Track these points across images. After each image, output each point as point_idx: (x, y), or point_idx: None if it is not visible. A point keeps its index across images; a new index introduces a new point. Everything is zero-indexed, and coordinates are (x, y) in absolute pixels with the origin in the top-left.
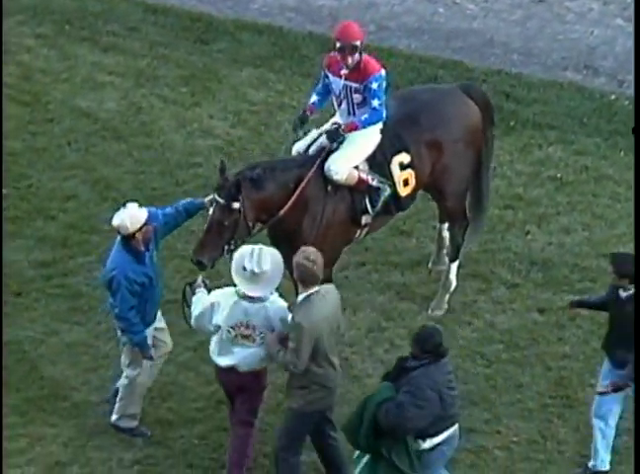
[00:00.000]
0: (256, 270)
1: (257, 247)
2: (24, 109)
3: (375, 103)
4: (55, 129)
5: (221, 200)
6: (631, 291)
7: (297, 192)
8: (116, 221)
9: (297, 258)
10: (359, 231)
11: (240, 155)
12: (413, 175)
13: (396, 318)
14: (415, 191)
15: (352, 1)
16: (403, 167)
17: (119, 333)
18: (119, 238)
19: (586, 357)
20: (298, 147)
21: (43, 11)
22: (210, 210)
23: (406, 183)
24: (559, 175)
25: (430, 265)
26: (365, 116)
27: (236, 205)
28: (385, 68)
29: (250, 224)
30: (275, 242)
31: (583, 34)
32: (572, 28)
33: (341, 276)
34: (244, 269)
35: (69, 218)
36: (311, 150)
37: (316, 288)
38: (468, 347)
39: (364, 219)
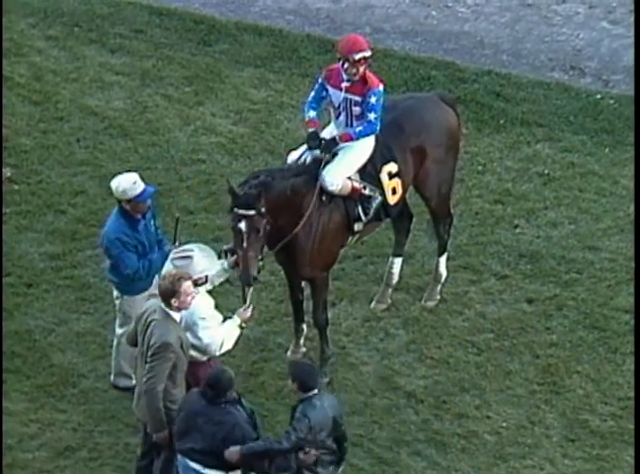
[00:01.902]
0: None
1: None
2: (35, 107)
3: (372, 116)
4: (65, 127)
5: (251, 212)
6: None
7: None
8: (111, 183)
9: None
10: (351, 237)
11: (242, 152)
12: (400, 184)
13: (391, 308)
14: (401, 198)
15: (348, 4)
16: (391, 176)
17: (114, 294)
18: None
19: (572, 346)
20: (293, 157)
21: (54, 14)
22: (242, 226)
23: (394, 191)
24: (546, 171)
25: (372, 304)
26: (360, 128)
27: (263, 210)
28: (382, 81)
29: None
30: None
31: (569, 36)
32: (559, 30)
33: (338, 267)
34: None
35: (78, 213)
36: (307, 159)
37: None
38: (460, 336)
39: (357, 226)
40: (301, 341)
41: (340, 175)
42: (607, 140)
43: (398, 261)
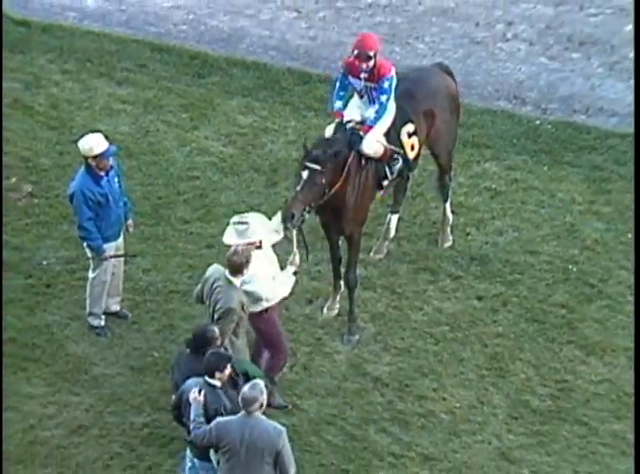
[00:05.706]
0: (237, 219)
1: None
2: (52, 132)
3: (383, 98)
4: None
5: (315, 166)
6: None
7: (346, 168)
8: (79, 142)
9: (228, 254)
10: (379, 193)
11: (231, 170)
12: (416, 140)
13: (360, 305)
14: (418, 154)
15: (323, 41)
16: (409, 135)
17: (84, 245)
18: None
19: (516, 336)
20: (329, 130)
21: (68, 50)
22: (304, 174)
23: (412, 148)
24: (494, 186)
25: (371, 253)
26: (374, 114)
27: (326, 169)
28: (393, 65)
29: (326, 190)
30: (320, 210)
31: (512, 70)
32: (504, 65)
33: (314, 269)
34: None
35: None
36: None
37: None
38: (420, 328)
39: (385, 183)
40: (337, 297)
41: (374, 140)
42: (546, 160)
43: (394, 217)
